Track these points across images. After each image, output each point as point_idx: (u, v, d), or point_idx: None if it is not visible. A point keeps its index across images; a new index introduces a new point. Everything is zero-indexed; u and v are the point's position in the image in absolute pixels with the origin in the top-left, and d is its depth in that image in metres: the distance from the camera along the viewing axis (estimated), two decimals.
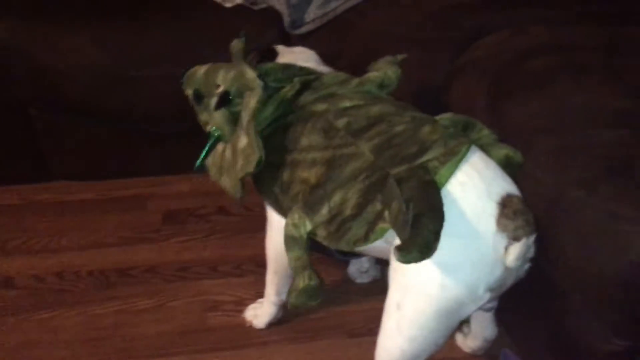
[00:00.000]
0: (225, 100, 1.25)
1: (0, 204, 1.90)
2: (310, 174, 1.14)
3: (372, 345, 1.17)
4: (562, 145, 1.11)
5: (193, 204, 1.89)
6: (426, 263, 0.98)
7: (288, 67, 1.31)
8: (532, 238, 1.04)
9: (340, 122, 1.15)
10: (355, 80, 1.27)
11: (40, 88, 1.74)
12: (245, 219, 1.83)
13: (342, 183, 1.10)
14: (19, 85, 1.74)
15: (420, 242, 0.94)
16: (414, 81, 1.56)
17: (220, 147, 1.29)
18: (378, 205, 1.06)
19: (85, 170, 1.95)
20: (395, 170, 1.05)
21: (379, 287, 1.17)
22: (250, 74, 1.22)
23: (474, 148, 1.09)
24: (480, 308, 1.11)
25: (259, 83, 1.20)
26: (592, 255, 1.03)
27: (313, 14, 1.70)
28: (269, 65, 1.31)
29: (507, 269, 1.04)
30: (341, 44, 1.67)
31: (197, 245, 1.77)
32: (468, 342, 1.39)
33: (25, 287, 1.65)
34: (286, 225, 1.18)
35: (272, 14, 1.75)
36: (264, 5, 1.77)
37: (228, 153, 1.26)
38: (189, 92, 1.35)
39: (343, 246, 1.12)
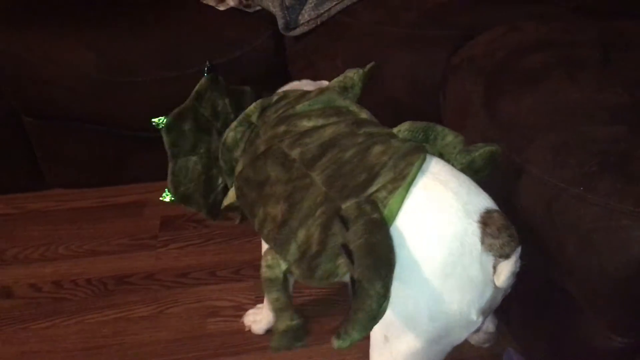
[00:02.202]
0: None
1: None
2: (276, 211, 1.08)
3: None
4: (559, 142, 1.10)
5: (190, 209, 1.87)
6: (412, 295, 0.95)
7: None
8: (518, 252, 0.98)
9: (295, 153, 1.09)
10: (314, 92, 1.20)
11: (33, 95, 1.72)
12: (244, 223, 1.81)
13: (303, 219, 1.04)
14: (11, 93, 1.73)
15: (362, 319, 0.86)
16: (409, 80, 1.55)
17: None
18: (339, 239, 0.97)
19: (80, 177, 1.93)
20: (344, 205, 0.98)
21: None
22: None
23: (440, 162, 1.03)
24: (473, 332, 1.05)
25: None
26: (592, 252, 1.02)
27: (307, 15, 1.70)
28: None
29: (497, 289, 0.98)
30: (336, 45, 1.66)
31: (195, 250, 1.76)
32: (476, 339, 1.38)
33: (22, 297, 1.64)
34: (261, 267, 1.13)
35: (266, 17, 1.73)
36: (257, 8, 1.76)
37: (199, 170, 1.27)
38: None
39: (316, 283, 1.06)
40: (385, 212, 0.96)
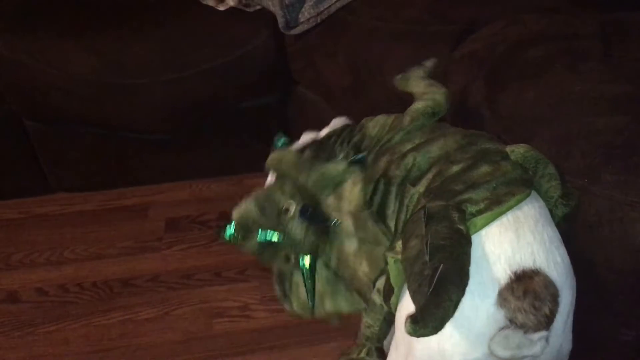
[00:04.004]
0: (307, 212, 1.09)
1: (0, 218, 1.89)
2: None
3: None
4: (562, 135, 1.09)
5: (194, 210, 1.88)
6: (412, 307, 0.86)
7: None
8: (537, 335, 0.84)
9: (399, 171, 1.03)
10: (407, 118, 1.14)
11: (34, 99, 1.73)
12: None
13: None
14: (12, 97, 1.73)
15: (440, 315, 0.78)
16: None
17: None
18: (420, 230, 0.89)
19: (85, 181, 1.94)
20: (430, 204, 0.91)
21: None
22: (337, 167, 1.08)
23: (537, 204, 0.93)
24: None
25: (353, 170, 1.08)
26: (598, 245, 1.01)
27: (307, 14, 1.69)
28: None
29: (492, 350, 0.86)
30: (336, 43, 1.66)
31: (200, 252, 1.76)
32: None
33: (29, 301, 1.65)
34: (374, 290, 1.06)
35: (266, 16, 1.73)
36: (257, 7, 1.76)
37: (326, 273, 1.11)
38: (251, 244, 1.12)
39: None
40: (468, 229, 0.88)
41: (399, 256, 0.91)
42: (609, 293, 1.04)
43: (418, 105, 1.16)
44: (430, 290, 0.79)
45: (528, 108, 1.17)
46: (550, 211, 0.98)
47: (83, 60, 1.65)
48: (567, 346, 0.93)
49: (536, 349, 0.84)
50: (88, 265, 1.74)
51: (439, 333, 0.82)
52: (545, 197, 0.98)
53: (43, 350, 1.52)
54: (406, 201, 1.00)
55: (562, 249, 0.92)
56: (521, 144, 1.02)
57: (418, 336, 0.80)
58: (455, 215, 0.87)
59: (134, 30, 1.71)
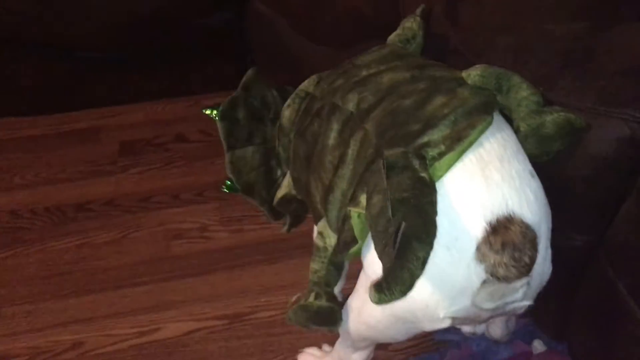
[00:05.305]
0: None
1: None
2: (327, 175, 0.97)
3: None
4: (521, 43, 1.07)
5: (149, 133, 1.83)
6: None
7: None
8: (519, 282, 0.84)
9: (350, 105, 0.97)
10: (375, 48, 1.10)
11: None
12: (205, 145, 1.78)
13: (351, 179, 0.92)
14: None
15: (406, 278, 0.75)
16: None
17: None
18: (381, 184, 0.83)
19: (31, 105, 1.86)
20: (388, 152, 0.85)
21: None
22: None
23: (501, 132, 0.88)
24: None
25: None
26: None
27: None
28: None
29: (477, 306, 0.87)
30: None
31: (157, 174, 1.73)
32: (490, 331, 1.29)
33: None
34: (315, 233, 1.05)
35: None
36: None
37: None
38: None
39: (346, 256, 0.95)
40: (430, 172, 0.83)
41: (363, 211, 0.86)
42: (561, 199, 1.05)
43: (390, 37, 1.14)
44: (395, 251, 0.75)
45: (487, 17, 1.15)
46: (536, 132, 0.93)
47: None
48: (548, 271, 0.92)
49: (519, 294, 0.86)
50: (40, 190, 1.69)
51: (421, 290, 0.82)
52: (515, 111, 0.94)
53: None
54: (352, 140, 0.93)
55: (534, 182, 0.89)
56: (477, 65, 0.97)
57: (383, 304, 0.77)
58: (416, 163, 0.82)
59: None
